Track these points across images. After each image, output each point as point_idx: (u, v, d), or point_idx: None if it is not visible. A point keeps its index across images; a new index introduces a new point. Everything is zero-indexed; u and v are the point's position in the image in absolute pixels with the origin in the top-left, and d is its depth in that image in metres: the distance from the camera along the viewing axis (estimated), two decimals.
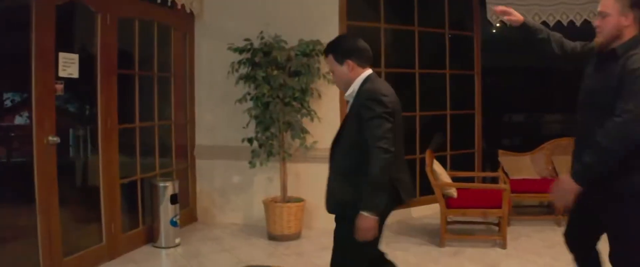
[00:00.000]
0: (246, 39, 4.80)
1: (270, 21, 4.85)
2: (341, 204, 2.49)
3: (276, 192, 5.07)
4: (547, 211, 5.35)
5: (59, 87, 3.78)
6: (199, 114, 5.42)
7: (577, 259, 2.65)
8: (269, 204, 4.80)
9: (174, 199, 4.58)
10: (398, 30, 5.66)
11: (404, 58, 5.63)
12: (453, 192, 4.52)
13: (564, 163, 5.38)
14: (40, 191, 3.57)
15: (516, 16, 2.60)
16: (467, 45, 5.94)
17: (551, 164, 5.43)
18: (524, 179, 5.20)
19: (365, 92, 2.44)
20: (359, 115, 2.42)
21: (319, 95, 4.91)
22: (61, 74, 3.75)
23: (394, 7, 5.30)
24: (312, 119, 4.80)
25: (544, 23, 5.58)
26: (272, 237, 4.80)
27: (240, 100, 4.75)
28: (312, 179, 5.04)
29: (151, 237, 4.63)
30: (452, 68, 5.89)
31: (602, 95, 2.25)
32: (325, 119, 4.89)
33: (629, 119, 2.11)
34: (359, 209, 2.33)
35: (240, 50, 4.81)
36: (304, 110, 4.78)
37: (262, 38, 4.75)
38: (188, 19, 5.25)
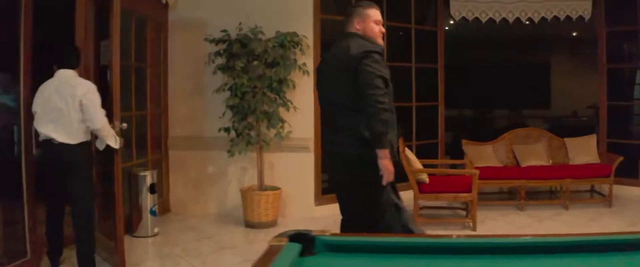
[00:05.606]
0: (223, 30, 4.87)
1: (246, 13, 4.92)
2: None
3: (251, 181, 5.17)
4: (509, 197, 5.69)
5: None
6: (172, 105, 5.42)
7: None
8: (246, 193, 4.88)
9: (152, 189, 4.59)
10: None
11: None
12: (425, 178, 4.76)
13: (523, 151, 5.75)
14: None
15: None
16: (431, 40, 6.21)
17: (511, 153, 5.78)
18: (487, 167, 5.50)
19: None
20: None
21: (294, 86, 5.01)
22: None
23: None
24: (288, 109, 4.91)
25: (504, 20, 5.96)
26: (250, 225, 4.89)
27: (218, 91, 4.81)
28: (286, 168, 5.17)
29: (129, 227, 4.62)
30: (418, 62, 6.15)
31: None
32: (301, 109, 5.02)
33: None
34: None
35: (217, 41, 4.88)
36: (280, 100, 4.90)
37: (240, 29, 4.83)
38: (162, 10, 5.26)
